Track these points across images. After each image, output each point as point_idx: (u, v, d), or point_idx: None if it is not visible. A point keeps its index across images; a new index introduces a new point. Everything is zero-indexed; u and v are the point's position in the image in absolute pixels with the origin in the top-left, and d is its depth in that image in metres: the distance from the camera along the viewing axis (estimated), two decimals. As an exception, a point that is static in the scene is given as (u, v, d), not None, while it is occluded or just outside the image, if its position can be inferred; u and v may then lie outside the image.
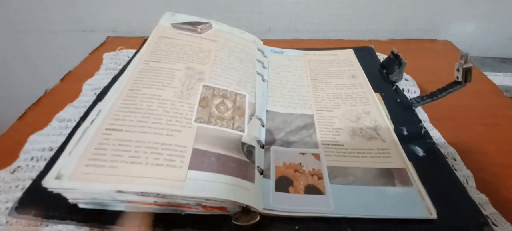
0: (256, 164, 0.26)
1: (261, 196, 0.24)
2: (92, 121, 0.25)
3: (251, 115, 0.30)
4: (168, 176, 0.22)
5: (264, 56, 0.42)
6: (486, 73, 0.47)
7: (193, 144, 0.24)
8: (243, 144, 0.26)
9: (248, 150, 0.26)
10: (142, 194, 0.21)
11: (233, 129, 0.27)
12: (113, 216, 0.23)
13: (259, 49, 0.42)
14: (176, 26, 0.39)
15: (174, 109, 0.27)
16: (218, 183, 0.22)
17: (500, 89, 0.43)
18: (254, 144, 0.27)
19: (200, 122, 0.27)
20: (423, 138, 0.31)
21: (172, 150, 0.23)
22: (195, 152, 0.24)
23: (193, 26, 0.40)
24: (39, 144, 0.32)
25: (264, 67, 0.40)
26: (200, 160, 0.23)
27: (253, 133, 0.28)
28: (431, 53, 0.52)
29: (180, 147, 0.24)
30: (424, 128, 0.32)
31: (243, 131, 0.27)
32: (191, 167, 0.23)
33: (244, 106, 0.30)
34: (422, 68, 0.45)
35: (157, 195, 0.21)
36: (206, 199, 0.22)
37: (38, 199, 0.24)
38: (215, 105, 0.29)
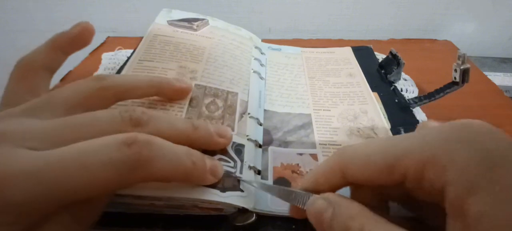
0: (249, 164, 0.26)
1: (252, 195, 0.24)
2: None
3: (243, 113, 0.30)
4: None
5: (262, 53, 0.42)
6: (486, 73, 0.47)
7: None
8: (232, 142, 0.26)
9: (237, 149, 0.26)
10: (139, 197, 0.21)
11: None
12: (113, 217, 0.23)
13: (256, 47, 0.42)
14: (172, 23, 0.39)
15: (164, 110, 0.27)
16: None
17: (500, 89, 0.42)
18: (244, 142, 0.27)
19: None
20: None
21: None
22: None
23: (189, 23, 0.39)
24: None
25: (261, 65, 0.40)
26: None
27: (243, 131, 0.28)
28: (431, 53, 0.52)
29: None
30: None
31: (233, 129, 0.27)
32: None
33: (235, 104, 0.30)
34: (422, 68, 0.45)
35: (154, 197, 0.21)
36: (201, 201, 0.22)
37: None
38: (205, 105, 0.28)
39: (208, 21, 0.41)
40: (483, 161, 0.13)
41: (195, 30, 0.39)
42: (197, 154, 0.20)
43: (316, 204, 0.18)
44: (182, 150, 0.19)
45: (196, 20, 0.40)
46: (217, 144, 0.24)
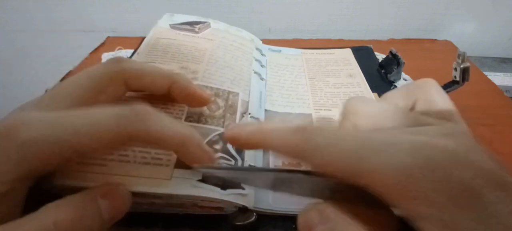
0: (250, 162, 0.26)
1: (252, 194, 0.24)
2: None
3: (244, 113, 0.30)
4: (154, 174, 0.21)
5: (262, 55, 0.42)
6: (486, 73, 0.47)
7: None
8: None
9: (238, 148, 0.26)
10: (140, 194, 0.21)
11: (223, 127, 0.27)
12: None
13: (257, 48, 0.42)
14: (174, 26, 0.39)
15: (165, 108, 0.27)
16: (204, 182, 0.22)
17: (500, 89, 0.42)
18: None
19: (190, 121, 0.26)
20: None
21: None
22: None
23: (191, 26, 0.40)
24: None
25: (262, 66, 0.40)
26: None
27: None
28: (431, 53, 0.52)
29: None
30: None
31: None
32: (178, 165, 0.22)
33: (236, 104, 0.30)
34: (422, 68, 0.44)
35: (153, 195, 0.21)
36: (201, 199, 0.22)
37: (30, 198, 0.24)
38: None
39: (209, 23, 0.41)
40: (456, 194, 0.12)
41: (197, 32, 0.39)
42: (195, 130, 0.21)
43: (308, 214, 0.16)
44: (180, 123, 0.21)
45: (198, 23, 0.40)
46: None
